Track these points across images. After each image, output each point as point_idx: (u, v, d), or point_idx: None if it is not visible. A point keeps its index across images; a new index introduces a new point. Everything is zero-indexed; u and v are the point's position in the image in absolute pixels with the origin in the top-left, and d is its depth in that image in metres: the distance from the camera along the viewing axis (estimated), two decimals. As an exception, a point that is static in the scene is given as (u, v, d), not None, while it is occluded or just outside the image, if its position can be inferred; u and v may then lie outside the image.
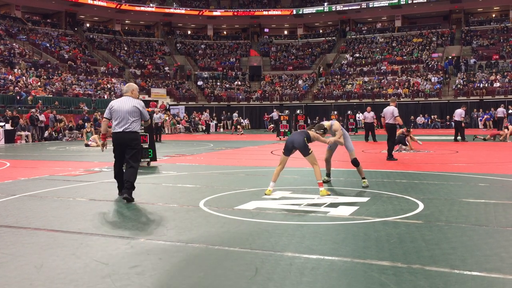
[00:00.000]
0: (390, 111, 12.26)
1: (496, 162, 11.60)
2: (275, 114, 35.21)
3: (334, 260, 3.85)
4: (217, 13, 51.91)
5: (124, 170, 6.81)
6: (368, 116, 20.47)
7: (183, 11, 50.98)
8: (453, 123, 20.67)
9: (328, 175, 8.11)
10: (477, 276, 3.44)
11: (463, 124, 19.25)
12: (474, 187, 7.54)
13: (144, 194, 7.31)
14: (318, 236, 4.62)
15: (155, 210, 6.00)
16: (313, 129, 7.34)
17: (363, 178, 7.68)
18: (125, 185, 6.54)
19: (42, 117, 23.80)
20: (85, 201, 6.70)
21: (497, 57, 41.08)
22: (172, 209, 6.05)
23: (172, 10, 50.30)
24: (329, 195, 6.71)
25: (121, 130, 6.61)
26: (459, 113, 19.03)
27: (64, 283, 3.41)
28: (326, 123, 7.68)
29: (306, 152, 6.87)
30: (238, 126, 31.62)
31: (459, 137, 19.12)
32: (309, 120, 31.39)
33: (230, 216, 5.54)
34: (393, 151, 12.73)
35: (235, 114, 37.46)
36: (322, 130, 7.40)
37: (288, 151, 7.10)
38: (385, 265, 3.71)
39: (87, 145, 18.95)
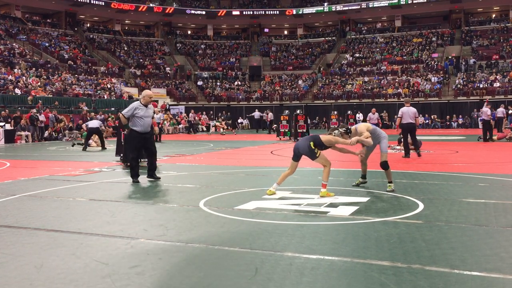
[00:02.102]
0: (414, 112, 13.02)
1: (496, 162, 11.60)
2: (256, 114, 35.04)
3: (334, 260, 3.85)
4: (236, 12, 51.76)
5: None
6: (373, 117, 20.13)
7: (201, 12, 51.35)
8: (479, 123, 19.91)
9: (364, 176, 7.74)
10: (477, 276, 3.44)
11: (491, 122, 19.19)
12: (474, 187, 7.54)
13: (144, 194, 7.32)
14: (318, 236, 4.62)
15: (155, 210, 6.01)
16: (334, 132, 7.04)
17: (390, 182, 7.26)
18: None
19: (42, 117, 23.80)
20: (85, 201, 6.70)
21: (497, 57, 41.09)
22: (172, 209, 6.05)
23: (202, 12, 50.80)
24: (331, 196, 6.58)
25: None
26: (486, 111, 18.70)
27: (64, 283, 3.41)
28: (352, 127, 7.31)
29: (313, 156, 6.74)
30: (219, 125, 31.58)
31: (494, 136, 19.01)
32: (309, 120, 31.39)
33: (230, 216, 5.54)
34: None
35: (271, 114, 34.29)
36: (344, 129, 7.09)
37: (295, 156, 6.99)
38: (385, 265, 3.71)
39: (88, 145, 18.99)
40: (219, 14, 51.52)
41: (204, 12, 51.36)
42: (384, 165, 7.26)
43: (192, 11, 50.93)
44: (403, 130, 13.08)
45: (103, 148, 17.52)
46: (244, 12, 51.85)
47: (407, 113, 12.91)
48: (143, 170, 10.37)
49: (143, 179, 8.76)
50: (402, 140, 15.65)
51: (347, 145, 7.02)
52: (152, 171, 8.74)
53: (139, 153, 8.80)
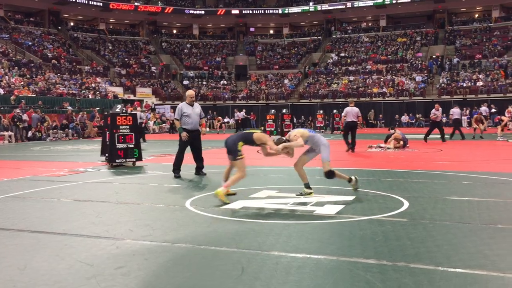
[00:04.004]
0: (356, 111, 14.44)
1: (479, 160, 11.75)
2: (238, 114, 34.89)
3: (320, 259, 3.86)
4: (235, 12, 51.84)
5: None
6: (438, 114, 18.33)
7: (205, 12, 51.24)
8: (450, 122, 20.43)
9: (307, 185, 6.73)
10: (461, 273, 3.48)
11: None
12: (457, 185, 7.62)
13: (130, 194, 7.27)
14: (304, 235, 4.63)
15: (141, 210, 5.96)
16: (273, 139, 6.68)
17: (349, 180, 6.93)
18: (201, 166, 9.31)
19: (25, 117, 23.49)
20: (69, 201, 6.63)
21: (480, 56, 41.61)
22: (158, 209, 6.02)
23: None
24: (222, 200, 6.10)
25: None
26: (458, 112, 19.61)
27: (48, 285, 3.37)
28: (289, 132, 6.72)
29: (233, 156, 6.42)
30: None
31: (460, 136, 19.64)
32: (295, 119, 31.50)
33: (217, 215, 5.53)
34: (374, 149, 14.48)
35: (240, 113, 34.00)
36: (277, 139, 6.63)
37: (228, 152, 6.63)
38: (371, 263, 3.73)
39: None
40: (218, 13, 51.62)
41: (203, 12, 51.50)
42: (329, 174, 6.68)
43: (191, 11, 51.10)
44: (346, 128, 14.57)
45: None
46: (243, 11, 51.89)
47: (351, 112, 14.35)
48: (127, 170, 10.31)
49: (127, 179, 8.69)
50: (385, 140, 15.92)
51: (274, 151, 6.52)
52: (199, 168, 9.28)
53: (185, 149, 9.30)
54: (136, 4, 48.47)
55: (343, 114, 14.76)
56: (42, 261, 3.91)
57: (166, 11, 50.13)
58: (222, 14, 51.61)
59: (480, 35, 44.79)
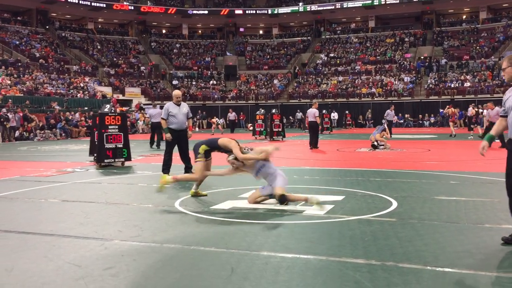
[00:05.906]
0: (313, 112, 15.55)
1: (466, 160, 11.86)
2: (230, 115, 34.87)
3: (309, 259, 3.87)
4: (239, 11, 51.92)
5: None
6: (391, 114, 23.10)
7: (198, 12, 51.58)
8: (384, 122, 23.37)
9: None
10: (449, 272, 3.51)
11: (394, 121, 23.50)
12: (445, 185, 7.68)
13: (119, 194, 7.22)
14: (293, 235, 4.64)
15: (130, 211, 5.94)
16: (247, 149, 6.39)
17: (306, 200, 5.76)
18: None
19: (12, 117, 23.24)
20: (57, 202, 6.58)
21: (467, 57, 41.99)
22: (147, 210, 5.99)
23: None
24: (167, 183, 6.47)
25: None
26: (390, 114, 23.04)
27: (36, 286, 3.34)
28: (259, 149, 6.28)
29: (195, 156, 6.55)
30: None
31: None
32: (284, 120, 31.49)
33: (206, 216, 5.52)
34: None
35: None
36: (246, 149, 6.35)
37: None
38: (360, 262, 3.75)
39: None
40: (221, 13, 51.72)
41: (206, 12, 51.73)
42: (281, 198, 5.79)
43: (194, 11, 51.23)
44: (309, 127, 16.03)
45: (158, 146, 16.75)
46: (247, 11, 52.00)
47: (310, 113, 15.77)
48: (116, 170, 10.25)
49: (118, 179, 8.64)
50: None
51: (240, 159, 6.16)
52: (188, 168, 9.11)
53: (173, 149, 9.17)
54: (137, 4, 48.45)
55: (306, 115, 16.31)
56: (29, 262, 3.87)
57: (169, 11, 50.15)
58: (225, 14, 51.55)
59: (467, 36, 45.20)
